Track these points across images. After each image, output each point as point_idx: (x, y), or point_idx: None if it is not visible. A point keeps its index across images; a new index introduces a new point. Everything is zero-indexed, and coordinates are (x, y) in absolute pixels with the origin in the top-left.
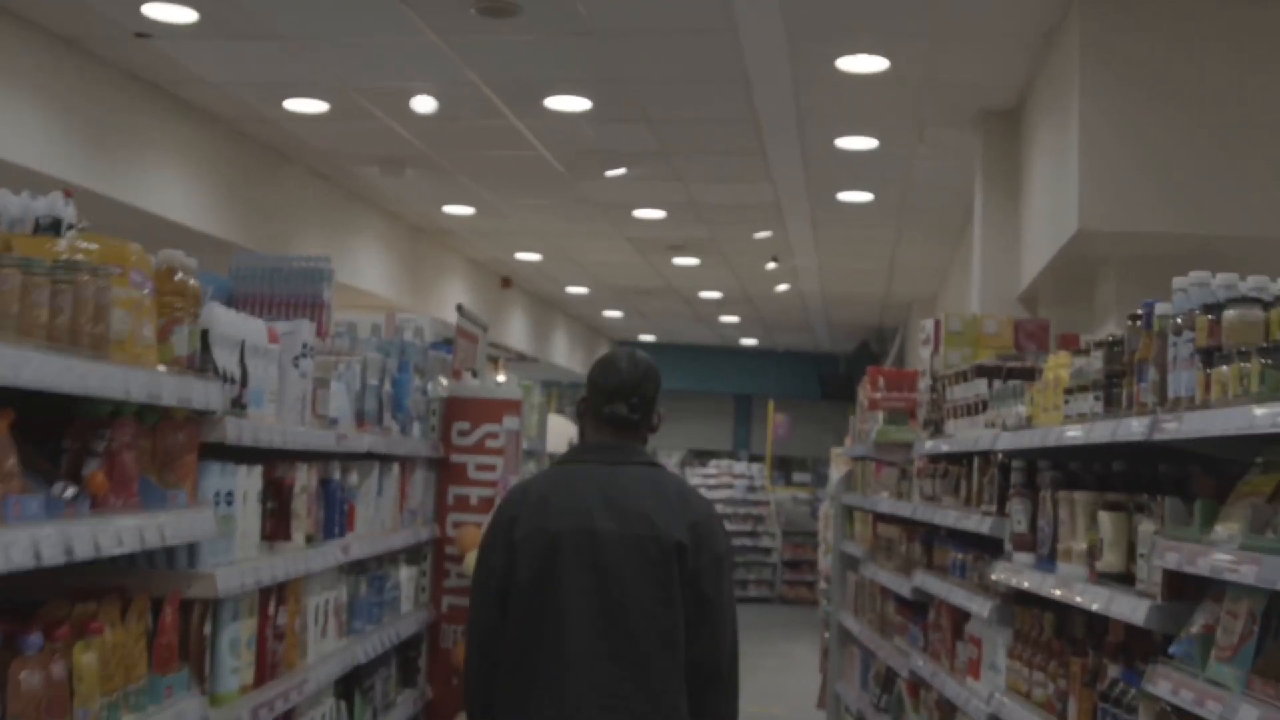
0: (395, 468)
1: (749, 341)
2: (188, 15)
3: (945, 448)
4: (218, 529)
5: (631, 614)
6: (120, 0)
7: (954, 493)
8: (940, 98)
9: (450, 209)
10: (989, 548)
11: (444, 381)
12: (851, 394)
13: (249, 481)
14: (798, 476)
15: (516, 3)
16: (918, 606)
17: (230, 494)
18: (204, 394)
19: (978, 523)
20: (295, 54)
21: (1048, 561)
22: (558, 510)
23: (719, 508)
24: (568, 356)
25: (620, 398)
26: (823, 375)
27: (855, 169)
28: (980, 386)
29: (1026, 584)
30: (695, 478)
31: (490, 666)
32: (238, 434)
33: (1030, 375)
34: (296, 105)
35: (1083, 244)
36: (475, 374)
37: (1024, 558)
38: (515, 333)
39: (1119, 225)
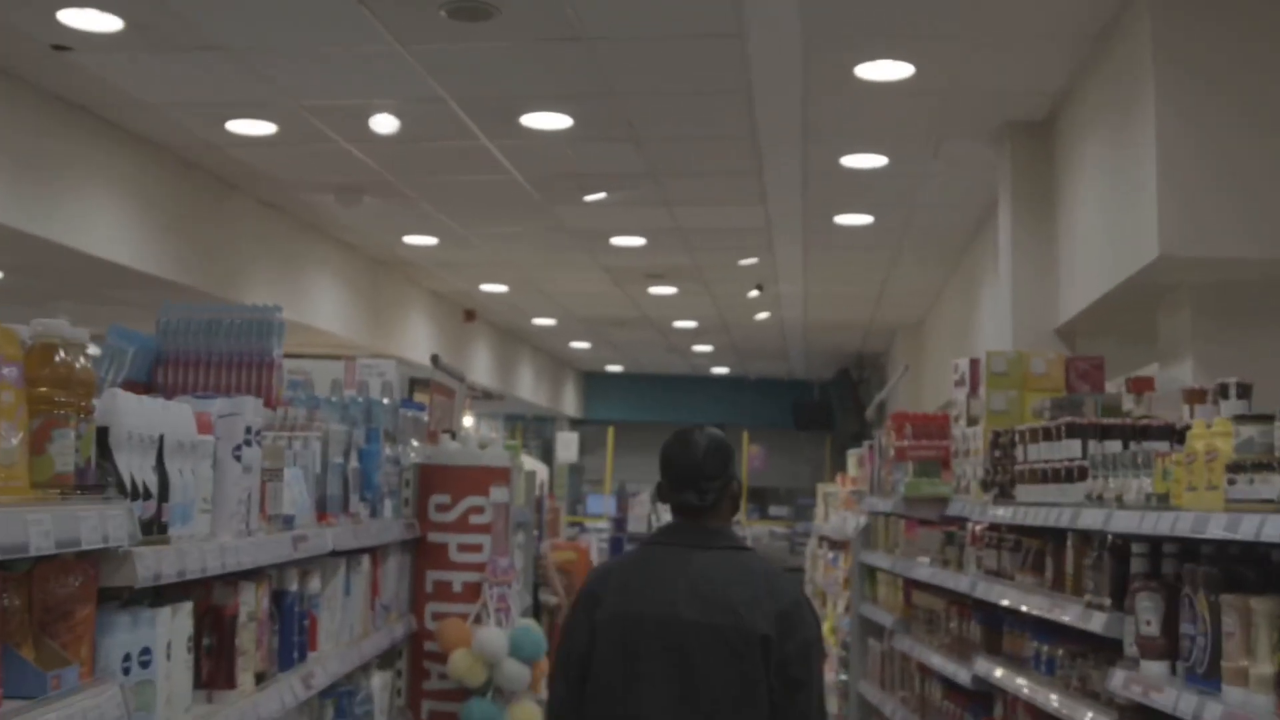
0: (365, 560)
1: (720, 370)
2: (111, 23)
3: (1023, 518)
4: (128, 707)
5: (711, 701)
6: (34, 8)
7: (1033, 570)
8: (962, 107)
9: (412, 239)
10: (1084, 641)
11: (416, 445)
12: (828, 423)
13: (174, 626)
14: (774, 510)
15: (492, 4)
16: (977, 696)
17: (148, 651)
18: (98, 525)
19: (1082, 616)
20: (238, 68)
21: (1204, 681)
22: (641, 594)
23: None
24: (533, 390)
25: (688, 485)
26: (797, 404)
27: (859, 189)
28: (1072, 449)
29: (1166, 704)
30: (667, 513)
31: None
32: (154, 569)
33: (1136, 435)
34: (241, 127)
35: (1158, 271)
36: (454, 435)
37: (1156, 668)
38: (479, 368)
39: (1202, 250)
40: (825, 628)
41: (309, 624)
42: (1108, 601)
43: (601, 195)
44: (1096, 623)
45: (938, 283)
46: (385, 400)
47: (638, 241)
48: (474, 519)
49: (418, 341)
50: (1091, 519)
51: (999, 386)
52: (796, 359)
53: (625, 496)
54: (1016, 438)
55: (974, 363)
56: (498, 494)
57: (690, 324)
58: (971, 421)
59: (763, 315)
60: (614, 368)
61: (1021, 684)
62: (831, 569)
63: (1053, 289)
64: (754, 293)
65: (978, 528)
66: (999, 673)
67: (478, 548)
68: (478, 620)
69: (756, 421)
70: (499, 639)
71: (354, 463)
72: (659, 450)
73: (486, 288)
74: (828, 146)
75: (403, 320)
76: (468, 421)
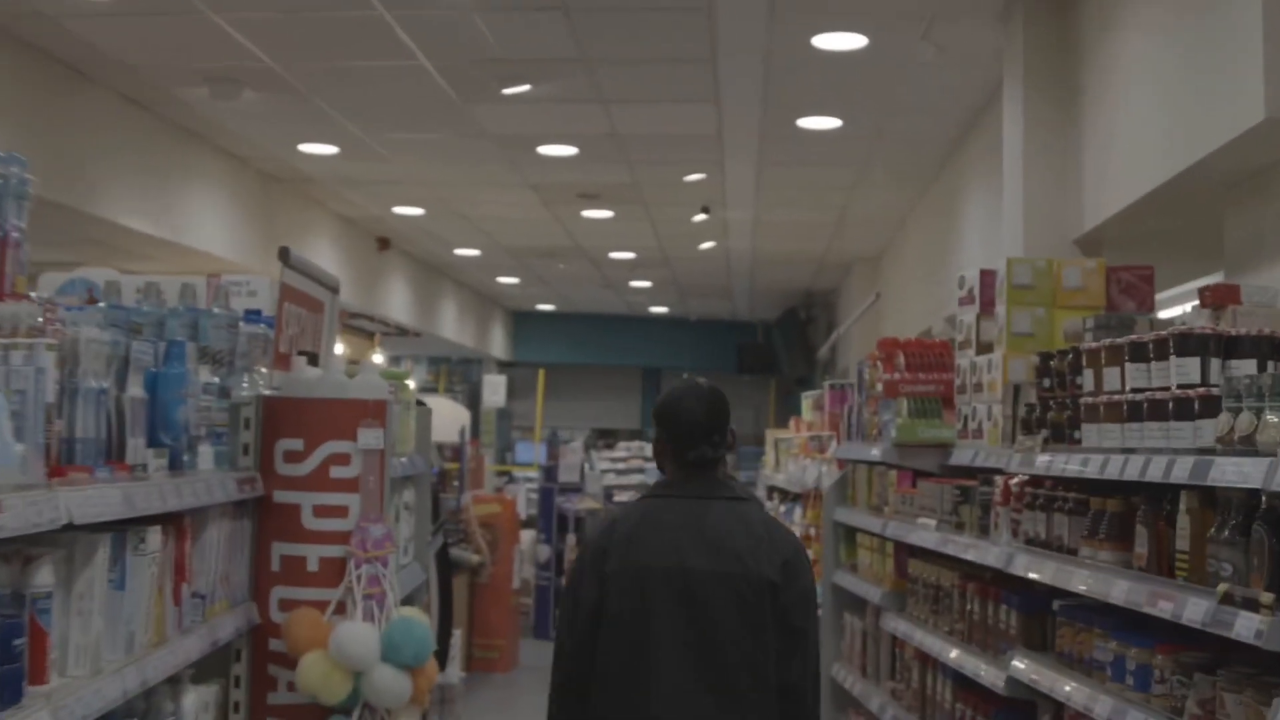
0: (153, 534)
1: (659, 310)
2: None
3: (1102, 470)
4: None
5: (724, 648)
6: None
7: (1112, 543)
8: None
9: (308, 148)
10: (1204, 647)
11: (265, 374)
12: (772, 366)
13: None
14: None
15: None
16: (1009, 704)
17: None
18: None
19: (1214, 616)
20: None
21: None
22: (649, 546)
23: (631, 493)
24: (457, 329)
25: (701, 440)
26: (741, 346)
27: (829, 82)
28: (1186, 371)
29: None
30: (602, 461)
31: (577, 699)
32: None
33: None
34: None
35: (1253, 144)
36: (316, 360)
37: None
38: (395, 303)
39: None
40: None
41: (27, 642)
42: (1267, 596)
43: (525, 88)
44: (1246, 628)
45: (904, 207)
46: (216, 310)
47: (569, 151)
48: (336, 471)
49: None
50: (1235, 472)
51: (1022, 303)
52: (741, 297)
53: (556, 444)
54: (1084, 359)
55: (987, 275)
56: (369, 437)
57: (628, 255)
58: (983, 348)
59: (708, 245)
60: (545, 306)
61: (1098, 701)
62: (785, 522)
63: (1074, 192)
64: (700, 216)
65: (1013, 482)
66: (1053, 679)
67: (341, 510)
68: (340, 611)
69: (698, 364)
70: (367, 638)
71: (135, 390)
72: (604, 396)
73: (400, 210)
74: (799, 23)
75: (305, 247)
76: (377, 358)
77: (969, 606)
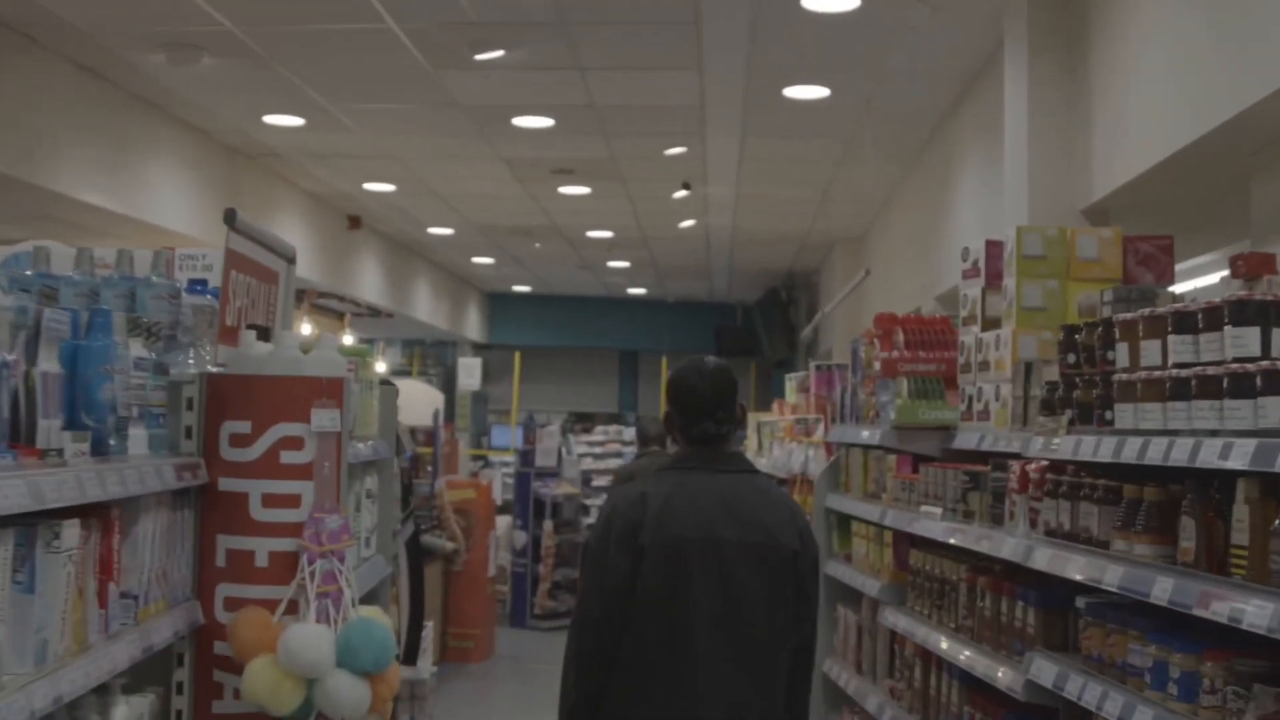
0: (70, 529)
1: (637, 291)
2: None
3: (1142, 454)
4: None
5: (752, 617)
6: None
7: (1151, 536)
8: None
9: (273, 119)
10: (1265, 655)
11: (209, 349)
12: (752, 348)
13: None
14: None
15: None
16: (1027, 709)
17: None
18: None
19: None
20: None
21: None
22: (683, 518)
23: (609, 478)
24: (431, 311)
25: (706, 416)
26: (720, 328)
27: (818, 48)
28: (1244, 343)
29: None
30: (580, 445)
31: (601, 667)
32: None
33: None
34: None
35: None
36: (267, 335)
37: None
38: (367, 283)
39: None
40: None
41: None
42: None
43: (498, 53)
44: None
45: (892, 183)
46: (156, 279)
47: (544, 123)
48: (287, 456)
49: (299, 255)
50: None
51: (1034, 275)
52: (720, 278)
53: (533, 428)
54: (1117, 331)
55: (994, 246)
56: (323, 418)
57: (605, 234)
58: (989, 324)
59: (688, 223)
60: (521, 288)
61: (1135, 711)
62: None
63: (1082, 159)
64: (681, 193)
65: (1031, 468)
66: (1081, 684)
67: (292, 500)
68: (292, 610)
69: (675, 346)
70: (320, 641)
71: (48, 365)
72: (581, 379)
73: (371, 187)
74: None
75: (272, 225)
76: (347, 339)
77: (979, 602)
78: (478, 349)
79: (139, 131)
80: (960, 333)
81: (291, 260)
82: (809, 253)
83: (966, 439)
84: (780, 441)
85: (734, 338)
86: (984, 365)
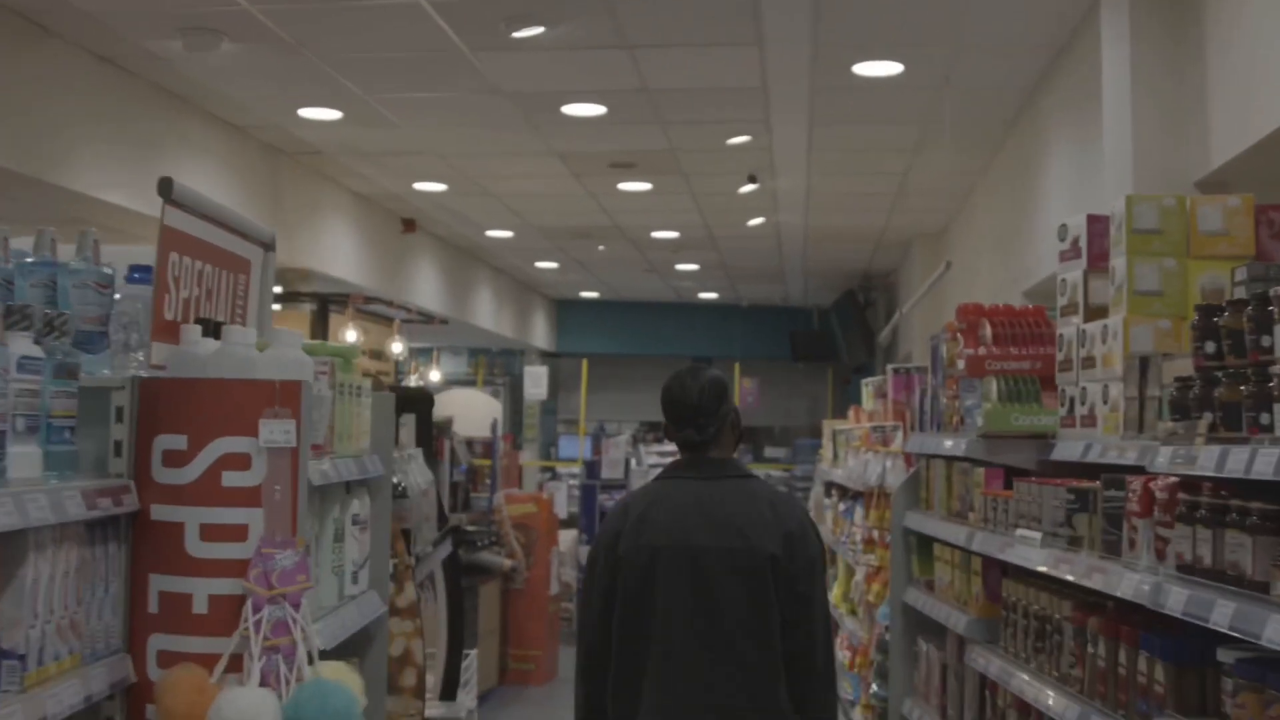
0: None
1: (708, 296)
2: None
3: None
4: None
5: (728, 621)
6: None
7: None
8: None
9: (308, 112)
10: None
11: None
12: (829, 353)
13: None
14: (770, 452)
15: None
16: None
17: None
18: None
19: None
20: None
21: None
22: (658, 526)
23: None
24: (494, 318)
25: (687, 423)
26: (795, 334)
27: (888, 18)
28: None
29: None
30: (651, 456)
31: (599, 671)
32: None
33: None
34: None
35: None
36: (217, 331)
37: None
38: (423, 289)
39: None
40: (835, 595)
41: None
42: None
43: (538, 30)
44: None
45: (973, 172)
46: (78, 265)
47: (596, 110)
48: (230, 478)
49: (341, 255)
50: None
51: (1147, 253)
52: (794, 281)
53: (601, 439)
54: (1276, 310)
55: (1097, 221)
56: (274, 431)
57: (670, 234)
58: (1094, 314)
59: (756, 221)
60: (589, 294)
61: None
62: (843, 523)
63: (1196, 125)
64: (747, 187)
65: (1157, 486)
66: None
67: (237, 531)
68: (235, 668)
69: (749, 353)
70: (259, 710)
71: None
72: (653, 388)
73: (421, 187)
74: None
75: (319, 228)
76: (397, 348)
77: (1090, 648)
78: (545, 357)
79: (165, 127)
80: (1058, 324)
81: (269, 247)
82: (886, 251)
83: (1068, 449)
84: (855, 451)
85: (810, 343)
86: (1088, 361)
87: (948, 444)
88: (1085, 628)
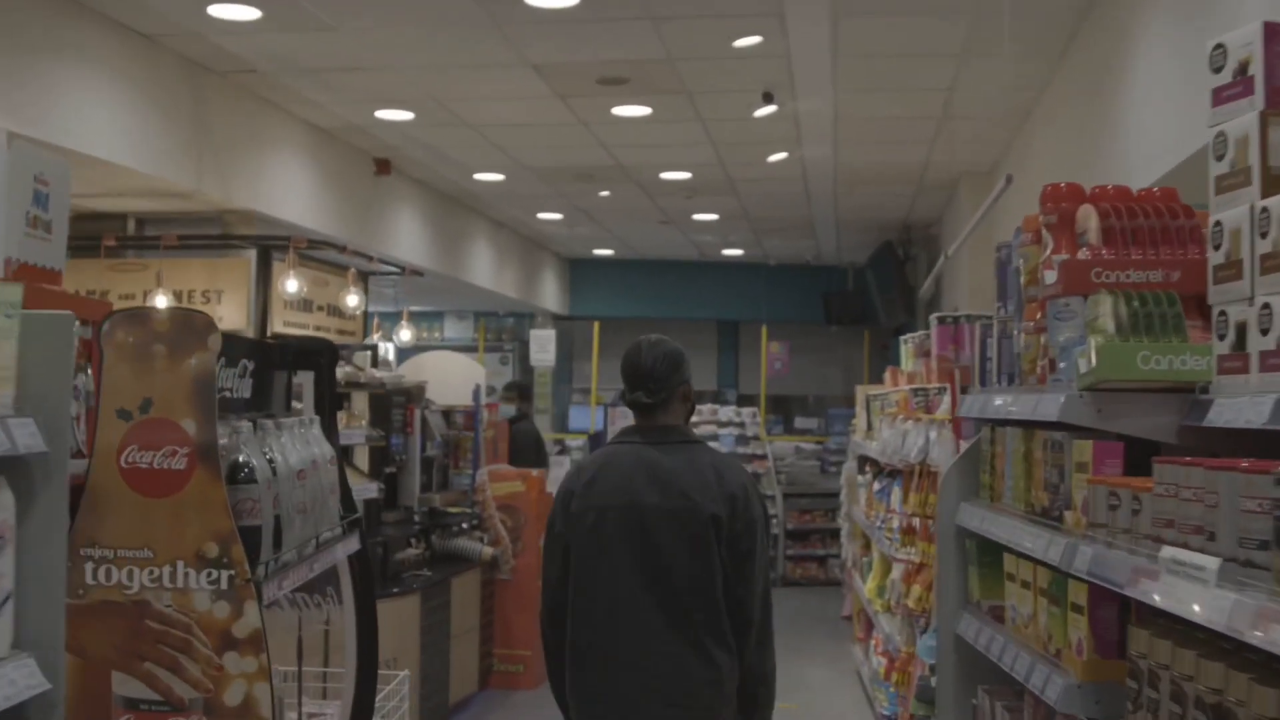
0: None
1: (733, 253)
2: None
3: None
4: None
5: (672, 571)
6: None
7: None
8: None
9: (219, 10)
10: None
11: None
12: (864, 316)
13: None
14: (800, 422)
15: None
16: None
17: None
18: None
19: None
20: None
21: None
22: (607, 488)
23: None
24: (494, 277)
25: (639, 386)
26: (827, 294)
27: None
28: None
29: None
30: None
31: (559, 620)
32: None
33: None
34: None
35: None
36: None
37: None
38: (403, 239)
39: None
40: (869, 587)
41: None
42: None
43: None
44: None
45: (1034, 85)
46: None
47: (567, 1)
48: None
49: (293, 196)
50: None
51: None
52: (825, 234)
53: (610, 408)
54: None
55: (1277, 30)
56: None
57: (681, 175)
58: (1275, 183)
59: (778, 156)
60: (603, 251)
61: None
62: (879, 505)
63: None
64: (764, 110)
65: None
66: None
67: None
68: None
69: (779, 315)
70: None
71: None
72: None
73: (385, 115)
74: None
75: (262, 164)
76: (291, 285)
77: None
78: (557, 321)
79: (55, 35)
80: (1211, 208)
81: None
82: (928, 195)
83: (1238, 410)
84: (891, 420)
85: (844, 304)
86: (1271, 263)
87: (1028, 403)
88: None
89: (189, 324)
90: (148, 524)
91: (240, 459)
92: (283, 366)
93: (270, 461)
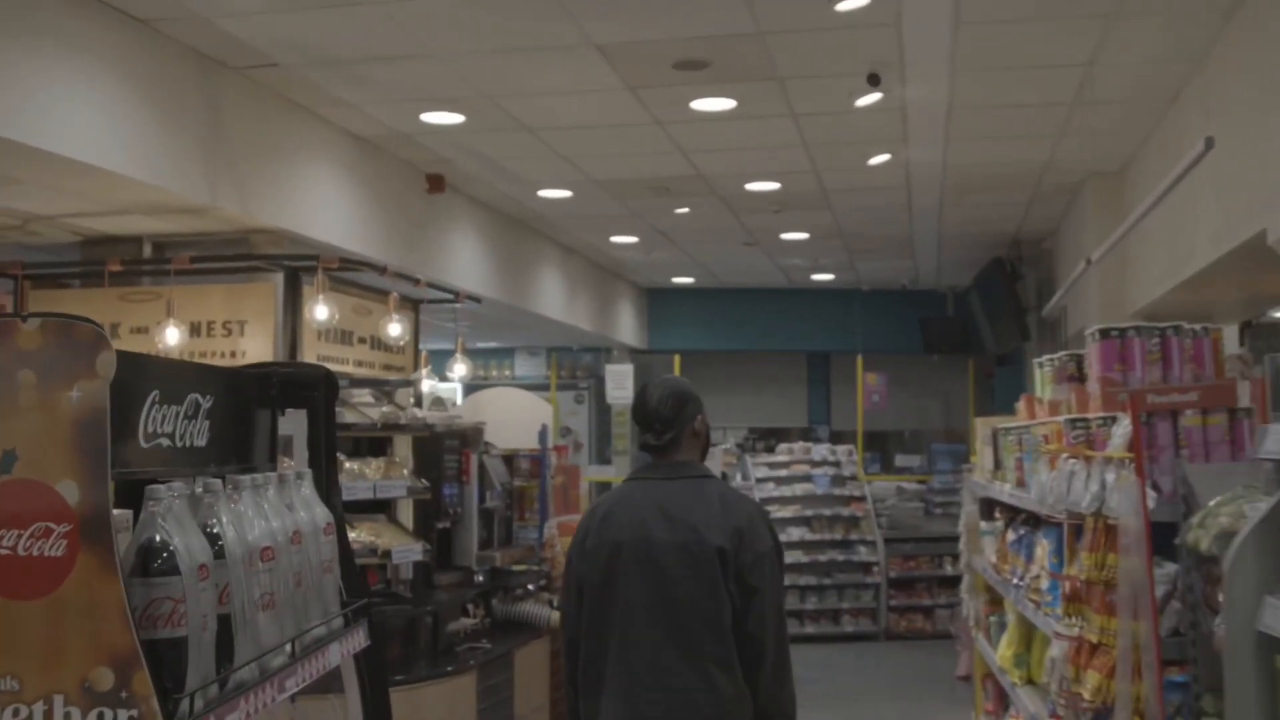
0: None
1: (823, 278)
2: None
3: None
4: None
5: (681, 604)
6: None
7: None
8: None
9: None
10: None
11: None
12: (967, 343)
13: None
14: (901, 460)
15: None
16: None
17: None
18: None
19: None
20: None
21: None
22: (620, 523)
23: (795, 508)
24: (565, 307)
25: (646, 428)
26: (926, 321)
27: None
28: None
29: None
30: (761, 468)
31: (578, 653)
32: None
33: None
34: None
35: None
36: None
37: None
38: (459, 264)
39: None
40: (1002, 655)
41: None
42: None
43: None
44: None
45: (1188, 56)
46: None
47: None
48: None
49: (330, 213)
50: None
51: None
52: (925, 253)
53: None
54: None
55: None
56: None
57: (769, 186)
58: None
59: (880, 159)
60: (683, 279)
61: None
62: (1014, 559)
63: None
64: (867, 99)
65: None
66: None
67: None
68: None
69: (874, 345)
70: None
71: None
72: (762, 388)
73: (431, 119)
74: None
75: (291, 175)
76: (322, 312)
77: None
78: (636, 355)
79: (31, 18)
80: None
81: None
82: (1044, 203)
83: None
84: (1039, 457)
85: (943, 330)
86: None
87: None
88: None
89: (67, 339)
90: (10, 640)
91: (155, 539)
92: (264, 404)
93: (215, 537)
